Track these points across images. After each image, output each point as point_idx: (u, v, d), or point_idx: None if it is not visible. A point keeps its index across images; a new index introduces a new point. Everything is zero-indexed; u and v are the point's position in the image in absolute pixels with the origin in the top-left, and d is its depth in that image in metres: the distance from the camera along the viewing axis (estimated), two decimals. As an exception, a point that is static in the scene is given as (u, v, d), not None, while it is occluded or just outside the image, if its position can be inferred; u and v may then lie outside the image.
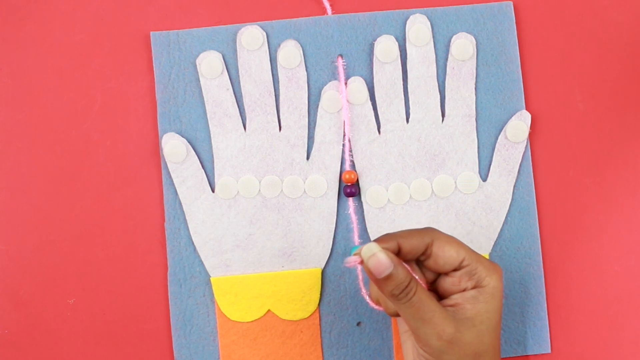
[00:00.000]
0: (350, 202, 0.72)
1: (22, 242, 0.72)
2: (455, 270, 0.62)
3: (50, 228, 0.72)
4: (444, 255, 0.62)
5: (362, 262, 0.60)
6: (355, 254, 0.60)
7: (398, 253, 0.61)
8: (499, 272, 0.63)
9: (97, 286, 0.72)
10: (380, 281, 0.60)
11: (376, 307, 0.69)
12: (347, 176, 0.72)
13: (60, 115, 0.72)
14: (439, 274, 0.64)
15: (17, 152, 0.72)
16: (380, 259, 0.59)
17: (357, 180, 0.72)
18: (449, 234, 0.71)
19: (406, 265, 0.61)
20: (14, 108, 0.72)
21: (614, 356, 0.73)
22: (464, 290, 0.62)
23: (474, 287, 0.62)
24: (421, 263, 0.63)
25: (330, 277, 0.72)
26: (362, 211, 0.72)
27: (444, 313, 0.61)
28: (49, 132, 0.72)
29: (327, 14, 0.73)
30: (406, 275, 0.60)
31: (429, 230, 0.63)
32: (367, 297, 0.72)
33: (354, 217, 0.72)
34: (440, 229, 0.71)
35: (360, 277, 0.72)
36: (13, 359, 0.72)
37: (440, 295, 0.64)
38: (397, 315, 0.64)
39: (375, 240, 0.61)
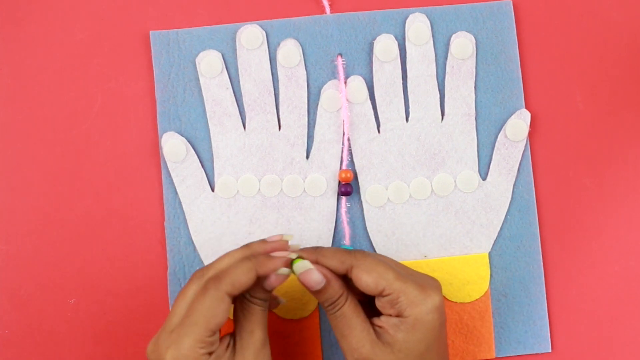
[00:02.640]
0: (343, 201, 0.72)
1: (22, 242, 0.72)
2: (378, 295, 0.63)
3: (50, 228, 0.72)
4: (361, 284, 0.62)
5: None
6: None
7: None
8: (427, 303, 0.62)
9: (97, 286, 0.72)
10: (313, 292, 0.63)
11: None
12: (343, 175, 0.71)
13: (60, 115, 0.72)
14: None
15: (17, 152, 0.72)
16: (313, 275, 0.62)
17: (353, 179, 0.72)
18: (449, 232, 0.72)
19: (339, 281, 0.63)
20: (14, 108, 0.72)
21: (615, 355, 0.73)
22: (389, 315, 0.63)
23: (397, 315, 0.62)
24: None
25: (330, 276, 0.72)
26: (353, 211, 0.72)
27: (364, 332, 0.62)
28: (49, 132, 0.72)
29: (326, 13, 0.73)
30: (336, 291, 0.63)
31: (352, 255, 0.63)
32: None
33: (344, 217, 0.72)
34: (439, 228, 0.72)
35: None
36: (13, 359, 0.72)
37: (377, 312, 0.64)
38: None
39: (302, 250, 0.63)
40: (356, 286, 0.63)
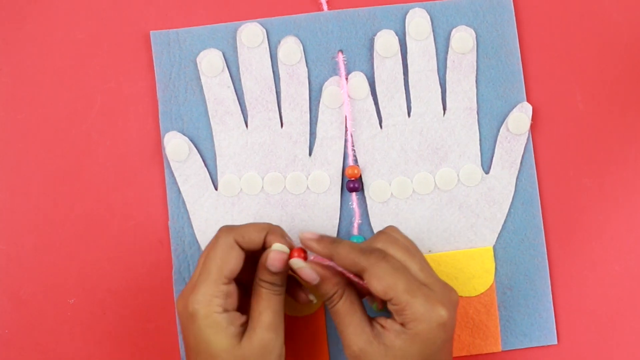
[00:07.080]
0: (354, 195, 0.72)
1: (22, 242, 0.72)
2: (387, 301, 0.62)
3: (50, 228, 0.72)
4: (371, 288, 0.62)
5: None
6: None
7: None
8: (432, 320, 0.61)
9: (97, 286, 0.72)
10: (311, 286, 0.64)
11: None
12: (350, 171, 0.72)
13: (60, 115, 0.72)
14: None
15: (17, 152, 0.72)
16: (306, 273, 0.63)
17: (361, 175, 0.72)
18: (453, 227, 0.72)
19: (344, 274, 0.64)
20: (14, 108, 0.72)
21: (621, 345, 0.73)
22: (395, 320, 0.62)
23: (401, 324, 0.62)
24: None
25: (335, 272, 0.72)
26: (365, 205, 0.73)
27: (358, 329, 0.63)
28: (49, 132, 0.72)
29: (323, 10, 0.73)
30: (330, 289, 0.64)
31: (366, 259, 0.62)
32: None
33: (357, 210, 0.72)
34: (443, 222, 0.72)
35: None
36: (13, 359, 0.72)
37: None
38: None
39: (320, 241, 0.63)
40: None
